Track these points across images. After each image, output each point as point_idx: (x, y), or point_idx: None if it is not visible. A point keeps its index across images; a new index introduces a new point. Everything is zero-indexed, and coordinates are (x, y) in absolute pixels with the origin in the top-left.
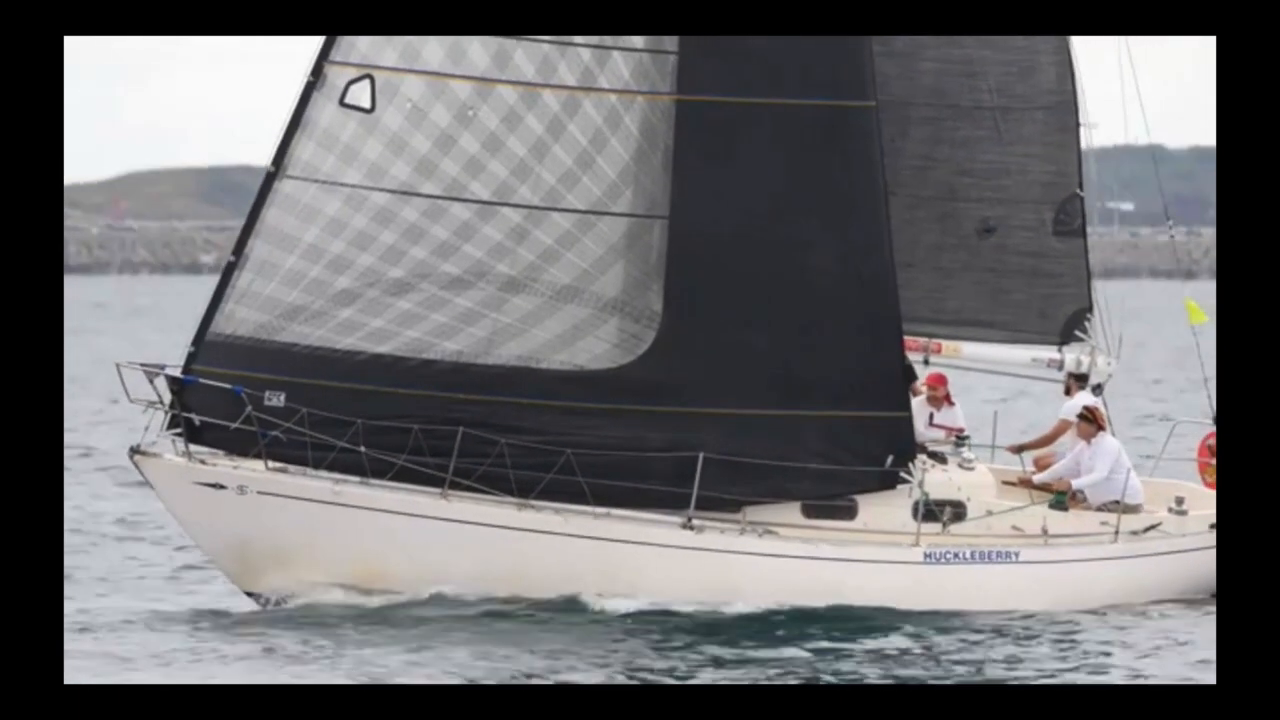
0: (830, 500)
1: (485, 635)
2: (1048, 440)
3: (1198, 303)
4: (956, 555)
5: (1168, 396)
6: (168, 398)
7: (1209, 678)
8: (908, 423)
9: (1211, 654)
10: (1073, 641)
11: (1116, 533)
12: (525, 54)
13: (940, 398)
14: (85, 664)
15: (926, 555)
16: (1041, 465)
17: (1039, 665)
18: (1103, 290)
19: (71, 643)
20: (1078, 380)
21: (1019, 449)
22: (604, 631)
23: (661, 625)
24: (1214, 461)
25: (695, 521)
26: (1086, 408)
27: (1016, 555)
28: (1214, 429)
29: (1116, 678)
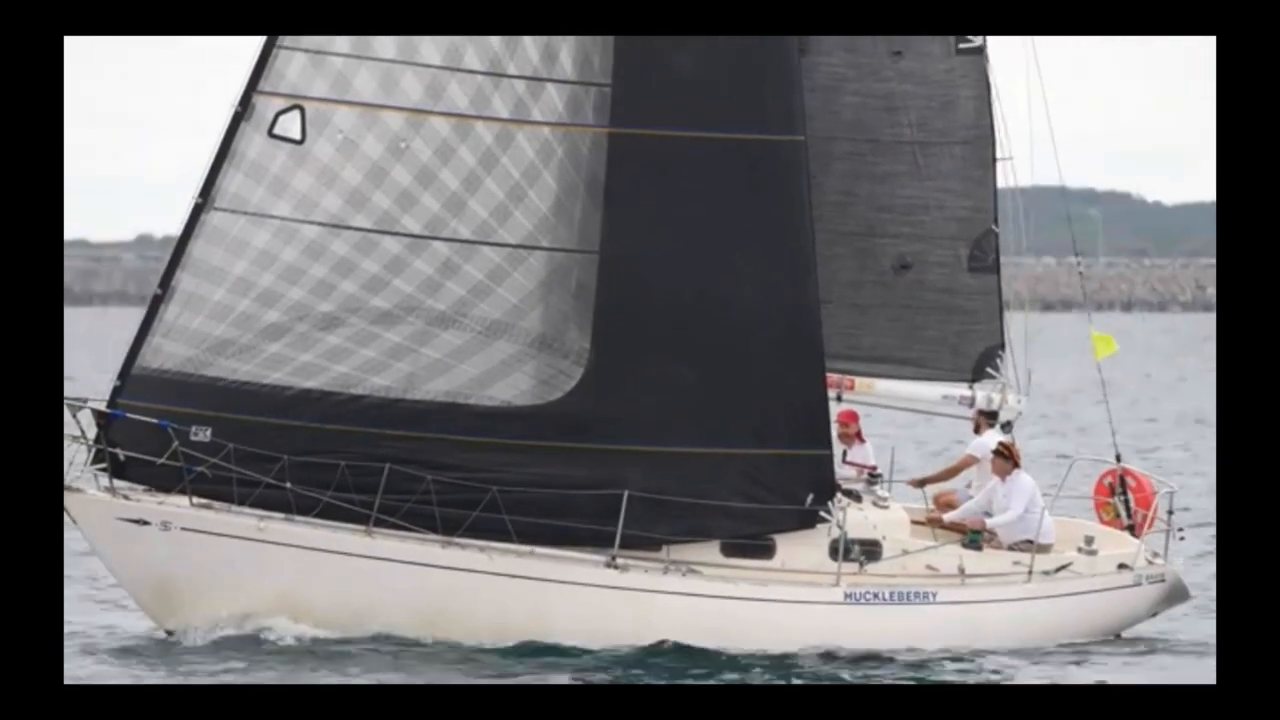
0: (750, 540)
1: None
2: (951, 473)
3: (1103, 333)
4: (876, 596)
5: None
6: (92, 432)
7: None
8: (829, 461)
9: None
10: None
11: (1030, 573)
12: (459, 85)
13: (852, 435)
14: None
15: (847, 595)
16: (941, 501)
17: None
18: (1019, 324)
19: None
20: (987, 418)
21: (921, 483)
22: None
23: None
24: (1111, 500)
25: (619, 560)
26: (1002, 444)
27: (934, 596)
28: (1113, 467)
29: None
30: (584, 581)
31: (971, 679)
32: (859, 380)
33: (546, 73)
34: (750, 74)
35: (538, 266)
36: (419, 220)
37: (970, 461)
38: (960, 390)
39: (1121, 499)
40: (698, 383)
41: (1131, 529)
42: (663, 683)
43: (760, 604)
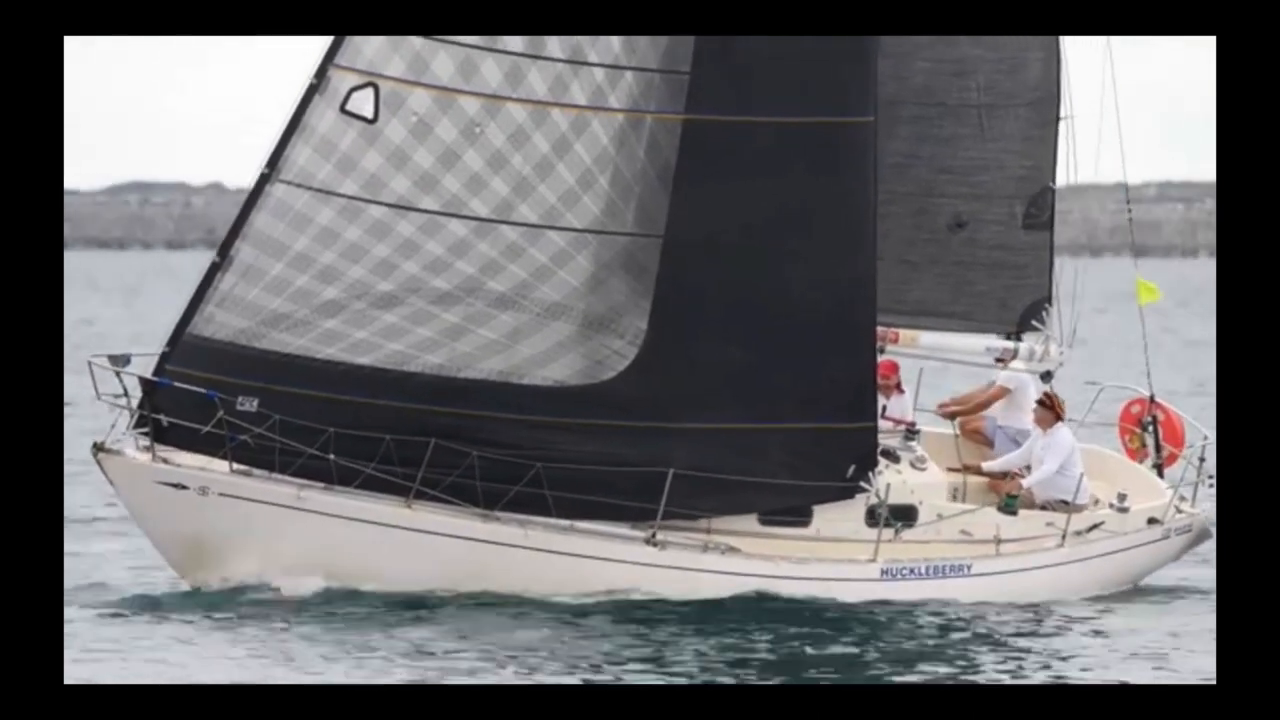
0: (790, 512)
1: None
2: (982, 406)
3: (1149, 281)
4: (912, 571)
5: None
6: (136, 396)
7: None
8: (873, 433)
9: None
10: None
11: (1064, 536)
12: (539, 72)
13: (891, 386)
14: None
15: (883, 572)
16: (969, 428)
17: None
18: (1070, 268)
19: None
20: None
21: (952, 415)
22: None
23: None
24: (1137, 430)
25: (659, 537)
26: (1047, 394)
27: (969, 568)
28: (1141, 395)
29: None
30: (621, 559)
31: (973, 678)
32: (903, 333)
33: (627, 60)
34: (829, 57)
35: (599, 250)
36: (487, 204)
37: (1002, 393)
38: (1004, 342)
39: (1151, 433)
40: (750, 362)
41: (1159, 468)
42: (662, 683)
43: (797, 582)
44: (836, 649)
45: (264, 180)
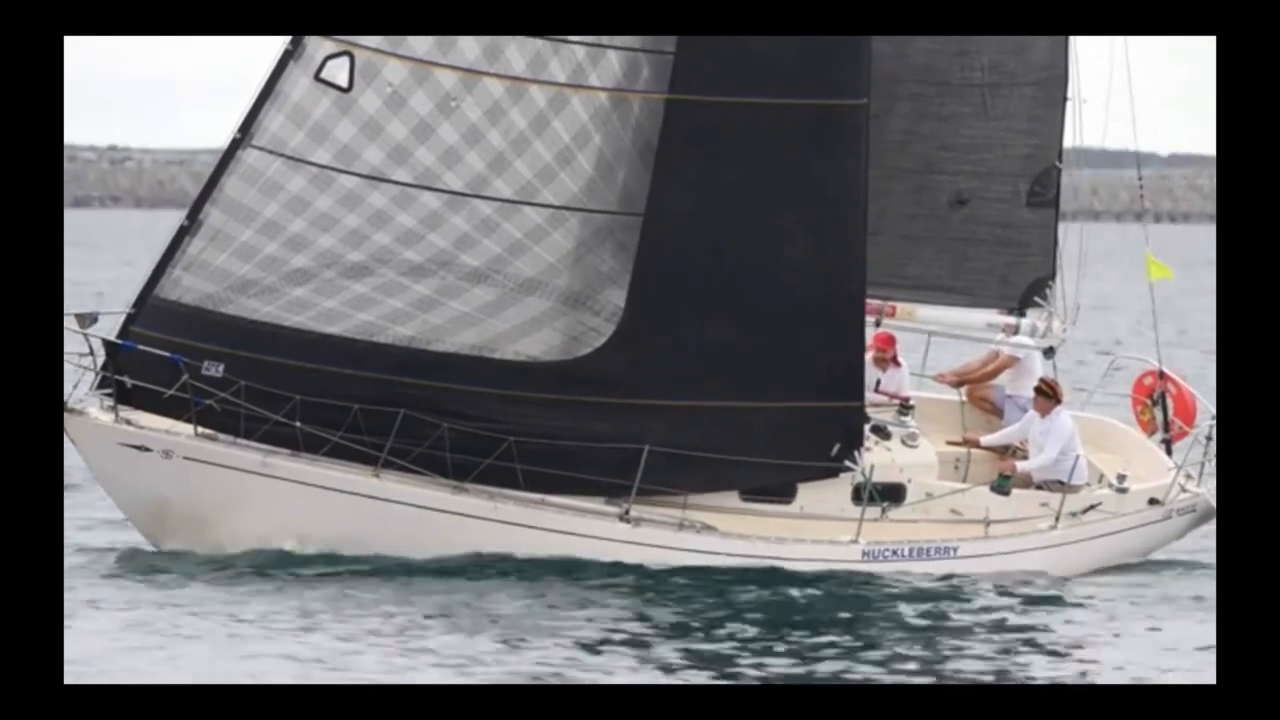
0: (773, 489)
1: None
2: (990, 376)
3: (1158, 257)
4: (895, 553)
5: None
6: (101, 357)
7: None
8: (859, 412)
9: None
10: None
11: (1057, 517)
12: (518, 48)
13: (887, 359)
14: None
15: (865, 554)
16: (975, 395)
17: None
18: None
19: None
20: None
21: (958, 383)
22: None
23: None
24: (1149, 403)
25: (633, 513)
26: (1045, 381)
27: (955, 550)
28: (1153, 367)
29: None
30: (594, 535)
31: (971, 679)
32: (901, 306)
33: (609, 40)
34: (821, 41)
35: (578, 227)
36: (461, 178)
37: (1010, 362)
38: (1005, 318)
39: (1160, 408)
40: (734, 341)
41: (1168, 444)
42: (661, 683)
43: (774, 562)
44: (809, 635)
45: (235, 145)
